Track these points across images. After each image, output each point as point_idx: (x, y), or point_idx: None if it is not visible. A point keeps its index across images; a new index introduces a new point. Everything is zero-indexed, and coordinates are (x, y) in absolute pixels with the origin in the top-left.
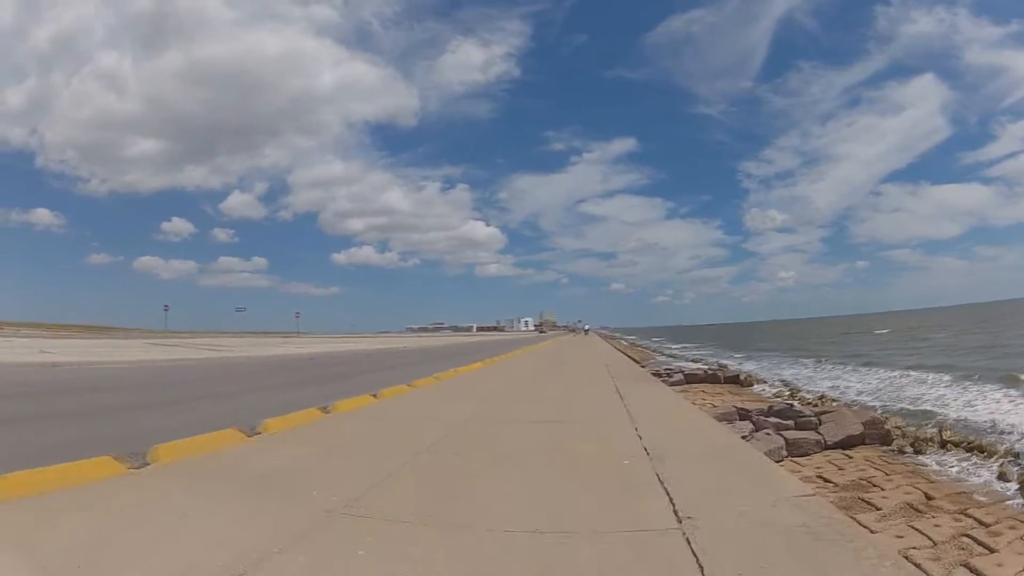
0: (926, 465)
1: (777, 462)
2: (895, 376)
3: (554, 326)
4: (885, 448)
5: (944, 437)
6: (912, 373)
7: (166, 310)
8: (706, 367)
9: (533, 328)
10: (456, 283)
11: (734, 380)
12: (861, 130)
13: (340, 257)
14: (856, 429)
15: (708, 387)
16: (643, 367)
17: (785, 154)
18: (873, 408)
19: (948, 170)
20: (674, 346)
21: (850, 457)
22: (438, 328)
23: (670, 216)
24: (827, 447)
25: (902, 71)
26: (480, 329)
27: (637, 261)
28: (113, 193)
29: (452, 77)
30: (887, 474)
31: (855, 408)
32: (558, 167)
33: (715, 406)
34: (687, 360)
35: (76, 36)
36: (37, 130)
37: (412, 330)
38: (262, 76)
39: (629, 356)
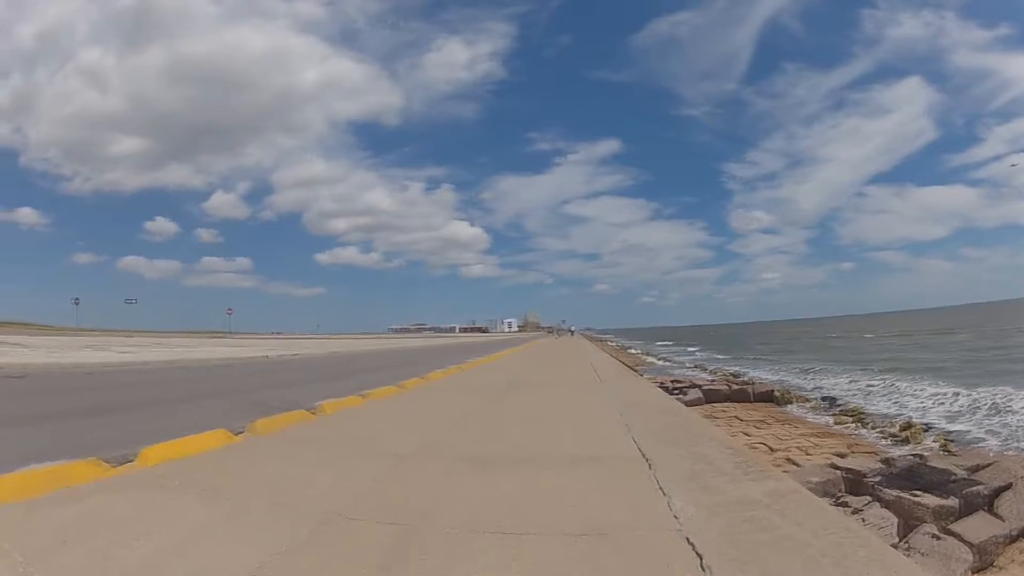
0: None
1: None
2: (959, 391)
3: (538, 327)
4: None
5: None
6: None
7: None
8: (725, 379)
9: (517, 329)
10: (440, 284)
11: (767, 398)
12: (846, 132)
13: (323, 257)
14: None
15: (739, 408)
16: (640, 375)
17: (770, 156)
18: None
19: (934, 172)
20: (663, 349)
21: None
22: (420, 329)
23: (654, 217)
24: None
25: (888, 74)
26: (463, 330)
27: (621, 262)
28: (97, 192)
29: (437, 76)
30: None
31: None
32: (542, 168)
33: (793, 462)
34: (689, 367)
35: (59, 33)
36: (21, 128)
37: (394, 330)
38: (245, 74)
39: (621, 361)
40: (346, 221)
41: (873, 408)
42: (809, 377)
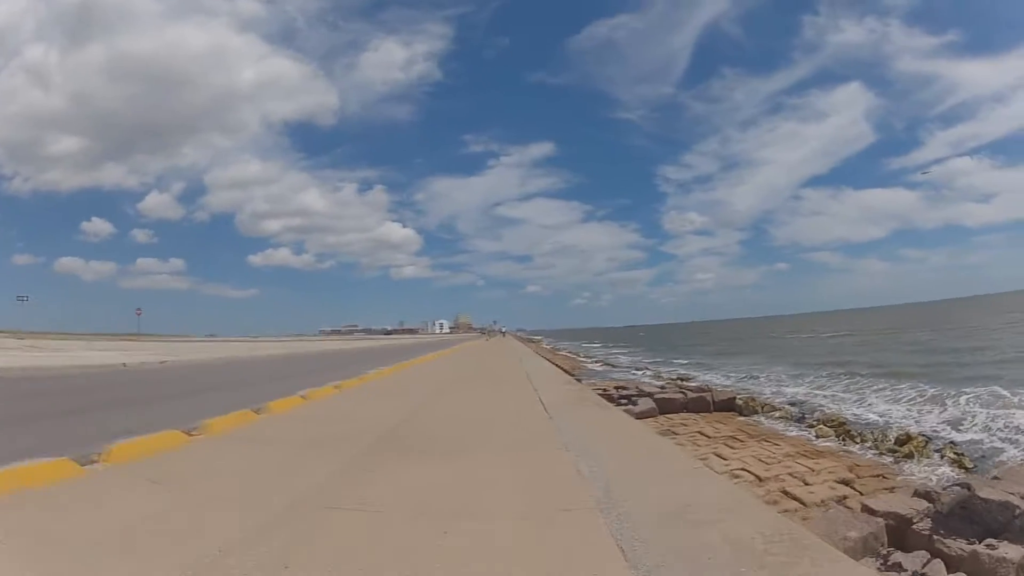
0: None
1: None
2: (943, 392)
3: (470, 328)
4: None
5: None
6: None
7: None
8: (676, 385)
9: (448, 331)
10: (372, 285)
11: (728, 407)
12: (783, 136)
13: (256, 259)
14: None
15: (701, 421)
16: (579, 380)
17: (705, 159)
18: None
19: (872, 175)
20: (600, 349)
21: None
22: (351, 331)
23: (587, 219)
24: None
25: (828, 79)
26: (394, 332)
27: (554, 264)
28: (36, 192)
29: (373, 75)
30: None
31: None
32: (476, 170)
33: (794, 497)
34: (630, 369)
35: (5, 30)
36: None
37: (325, 333)
38: (185, 72)
39: (557, 366)
40: (279, 222)
41: (851, 416)
42: (763, 381)
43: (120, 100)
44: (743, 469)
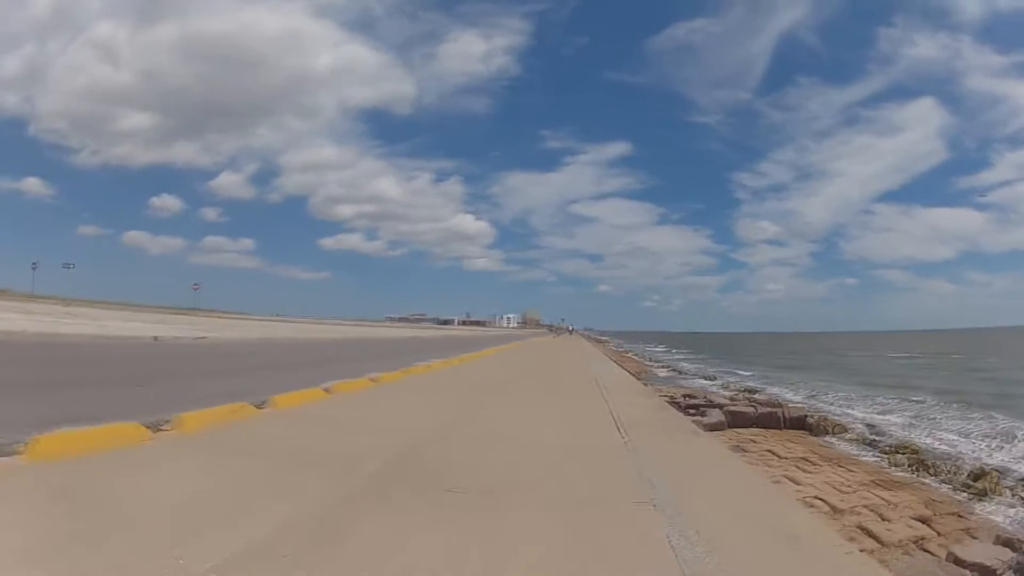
0: None
1: None
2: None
3: (538, 324)
4: None
5: None
6: None
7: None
8: (746, 398)
9: (516, 325)
10: (443, 275)
11: (799, 424)
12: (857, 149)
13: (328, 242)
14: None
15: (771, 438)
16: (645, 385)
17: (780, 167)
18: None
19: (942, 194)
20: (666, 354)
21: None
22: (419, 319)
23: (661, 222)
24: None
25: (902, 93)
26: (461, 323)
27: (625, 264)
28: (104, 166)
29: (451, 67)
30: None
31: None
32: (552, 166)
33: (870, 534)
34: (697, 376)
35: (74, 5)
36: (30, 98)
37: (392, 319)
38: (259, 54)
39: (629, 372)
40: (352, 207)
41: (924, 443)
42: (830, 399)
43: (192, 79)
44: (818, 497)
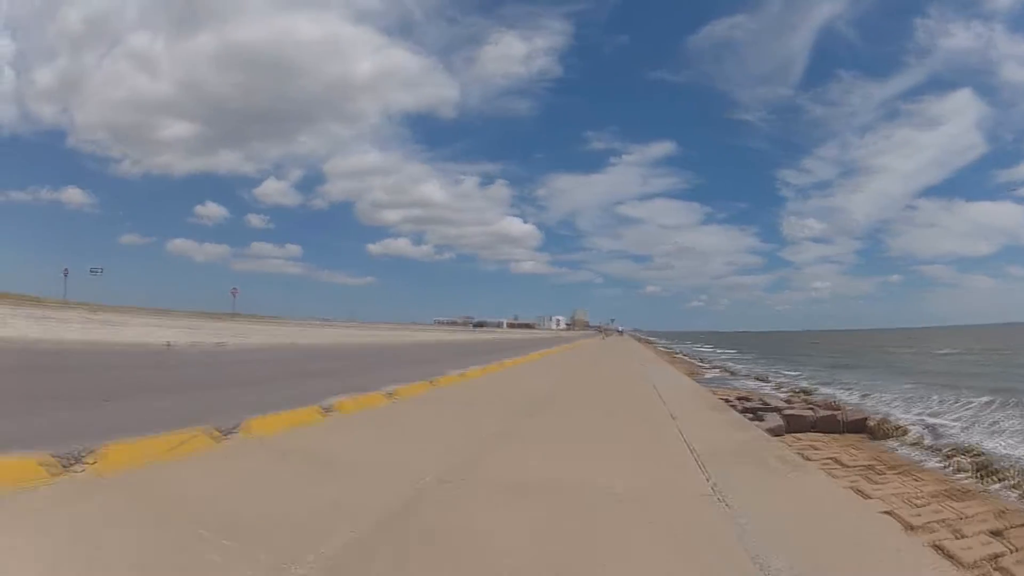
0: None
1: None
2: None
3: (586, 325)
4: None
5: None
6: None
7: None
8: (803, 400)
9: (564, 327)
10: (490, 278)
11: (859, 428)
12: (898, 143)
13: (375, 248)
14: None
15: (832, 444)
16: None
17: (824, 164)
18: None
19: (982, 187)
20: (714, 354)
21: None
22: (467, 322)
23: (707, 221)
24: None
25: (940, 85)
26: (510, 326)
27: (672, 265)
28: (146, 175)
29: (493, 69)
30: None
31: None
32: (597, 167)
33: (946, 552)
34: (748, 376)
35: (108, 16)
36: (68, 109)
37: (440, 322)
38: (298, 61)
39: (685, 375)
40: (399, 212)
41: (989, 447)
42: (885, 399)
43: (232, 87)
44: (887, 510)
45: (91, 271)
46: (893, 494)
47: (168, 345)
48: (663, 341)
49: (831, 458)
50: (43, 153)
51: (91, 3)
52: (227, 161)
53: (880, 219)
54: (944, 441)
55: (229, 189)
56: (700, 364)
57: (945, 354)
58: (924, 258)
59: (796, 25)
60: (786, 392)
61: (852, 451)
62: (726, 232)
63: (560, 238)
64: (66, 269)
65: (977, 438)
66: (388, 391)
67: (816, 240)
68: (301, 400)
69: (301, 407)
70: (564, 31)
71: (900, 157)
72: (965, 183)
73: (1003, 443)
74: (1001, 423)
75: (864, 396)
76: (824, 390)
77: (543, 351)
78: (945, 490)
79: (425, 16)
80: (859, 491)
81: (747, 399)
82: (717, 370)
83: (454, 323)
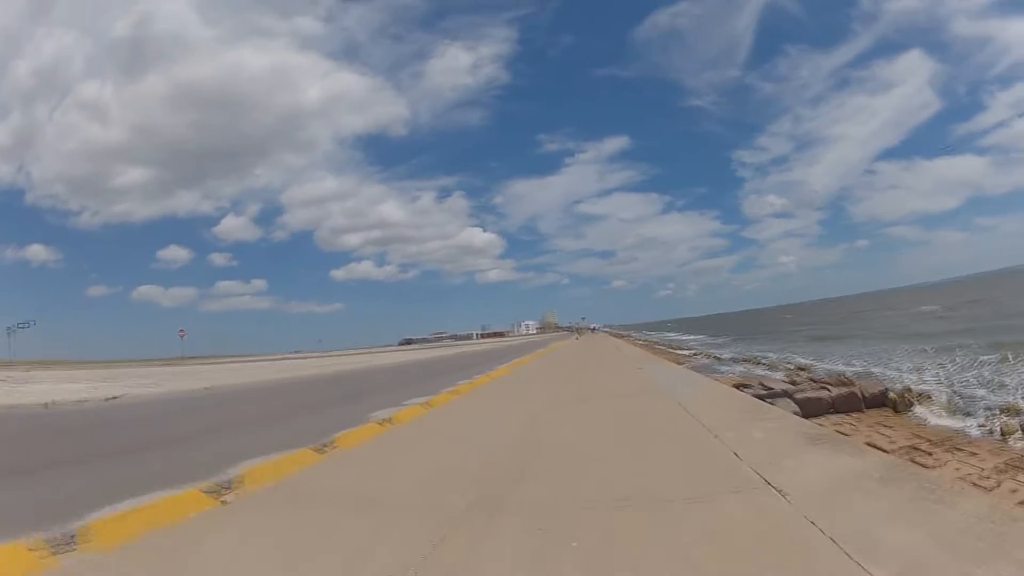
0: None
1: None
2: None
3: (557, 327)
4: None
5: None
6: None
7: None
8: (809, 379)
9: (535, 331)
10: (458, 291)
11: (880, 402)
12: (852, 110)
13: (339, 273)
14: None
15: (859, 424)
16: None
17: (778, 140)
18: None
19: (941, 143)
20: (692, 340)
21: None
22: (439, 338)
23: (667, 210)
24: None
25: (888, 48)
26: (481, 336)
27: (637, 257)
28: (106, 224)
29: (441, 83)
30: None
31: None
32: (553, 169)
33: None
34: (735, 360)
35: (56, 68)
36: (24, 166)
37: (404, 342)
38: (248, 95)
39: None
40: (359, 236)
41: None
42: (893, 365)
43: (184, 128)
44: None
45: (17, 327)
46: (956, 477)
47: (47, 405)
48: (635, 334)
49: (866, 443)
50: (3, 212)
51: (39, 55)
52: (185, 202)
53: (840, 187)
54: (974, 402)
55: (190, 230)
56: (681, 352)
57: (929, 312)
58: (889, 220)
59: (739, 5)
60: (784, 371)
61: (884, 429)
62: (687, 218)
63: (523, 243)
64: (9, 327)
65: (1011, 397)
66: (322, 447)
67: (778, 216)
68: (184, 478)
69: (178, 490)
70: (508, 37)
71: (855, 124)
72: (923, 141)
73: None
74: (995, 381)
75: (867, 366)
76: (822, 365)
77: (512, 362)
78: (1007, 461)
79: (369, 37)
80: None
81: (747, 384)
82: (699, 355)
83: (426, 340)
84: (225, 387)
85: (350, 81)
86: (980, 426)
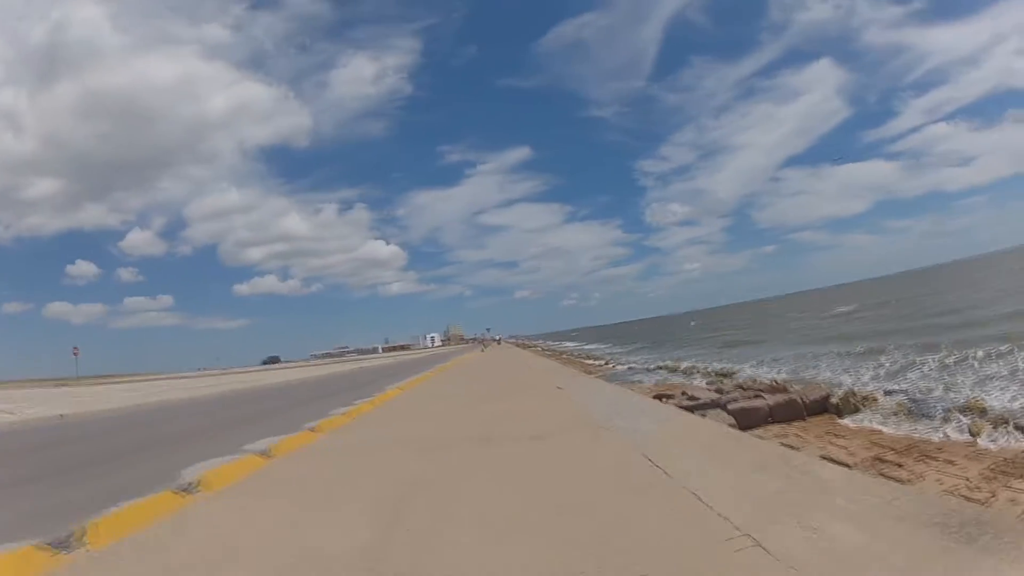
0: None
1: None
2: None
3: (462, 339)
4: None
5: None
6: None
7: None
8: (737, 387)
9: (440, 343)
10: (361, 304)
11: (822, 408)
12: (757, 119)
13: (243, 288)
14: None
15: (806, 434)
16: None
17: (682, 149)
18: None
19: (849, 149)
20: (600, 348)
21: None
22: (343, 352)
23: (570, 220)
24: None
25: (797, 58)
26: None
27: (540, 267)
28: (17, 238)
29: (344, 93)
30: None
31: None
32: (455, 180)
33: None
34: (647, 368)
35: None
36: None
37: (316, 356)
38: (155, 105)
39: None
40: (263, 249)
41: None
42: (823, 367)
43: (93, 138)
44: None
45: None
46: (941, 490)
47: None
48: (541, 343)
49: (822, 456)
50: None
51: None
52: (92, 216)
53: (745, 194)
54: (933, 405)
55: (96, 245)
56: (590, 362)
57: (844, 313)
58: (795, 226)
59: (645, 17)
60: (705, 376)
61: (836, 440)
62: (590, 228)
63: (425, 255)
64: None
65: (969, 394)
66: (159, 497)
67: (682, 223)
68: None
69: None
70: (413, 48)
71: (760, 132)
72: (830, 148)
73: (985, 392)
74: (960, 371)
75: (795, 370)
76: (746, 371)
77: (410, 379)
78: (991, 467)
79: (275, 46)
80: None
81: (668, 394)
82: (612, 364)
83: (329, 354)
84: (83, 415)
85: (255, 91)
86: (939, 428)
